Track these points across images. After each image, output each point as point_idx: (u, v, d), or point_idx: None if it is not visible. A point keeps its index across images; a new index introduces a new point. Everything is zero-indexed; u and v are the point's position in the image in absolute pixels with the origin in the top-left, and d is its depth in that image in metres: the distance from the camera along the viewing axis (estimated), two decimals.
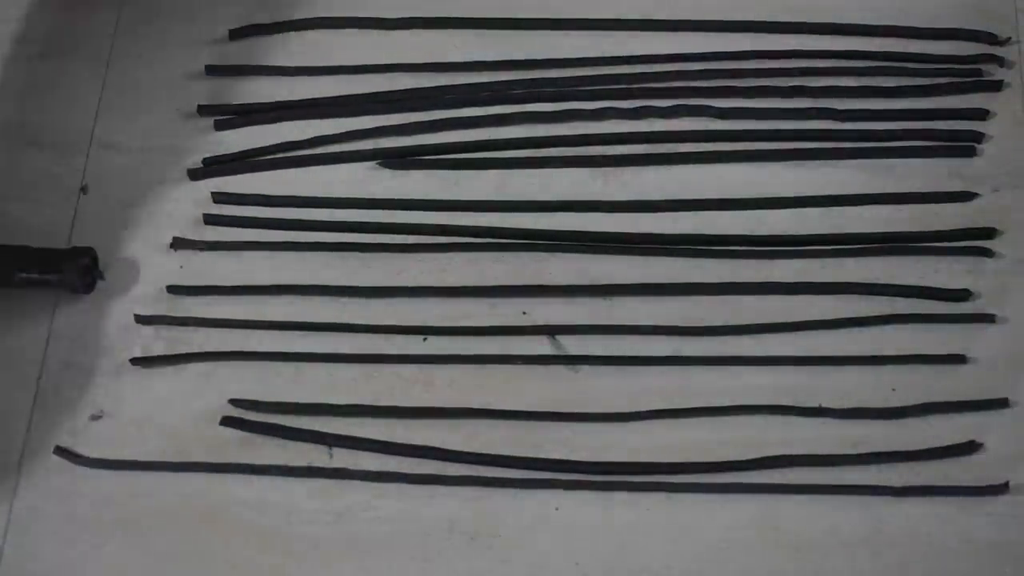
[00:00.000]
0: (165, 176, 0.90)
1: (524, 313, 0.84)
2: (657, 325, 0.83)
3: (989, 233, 0.85)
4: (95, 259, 0.86)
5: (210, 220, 0.89)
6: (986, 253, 0.84)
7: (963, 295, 0.83)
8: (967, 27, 0.91)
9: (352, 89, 0.92)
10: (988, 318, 0.82)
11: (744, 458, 0.79)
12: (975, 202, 0.86)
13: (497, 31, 0.94)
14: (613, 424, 0.81)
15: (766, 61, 0.91)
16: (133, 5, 0.96)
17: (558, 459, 0.80)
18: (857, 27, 0.92)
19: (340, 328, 0.84)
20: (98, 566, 0.79)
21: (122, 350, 0.85)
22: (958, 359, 0.81)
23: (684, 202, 0.87)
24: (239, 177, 0.90)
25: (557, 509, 0.79)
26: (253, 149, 0.91)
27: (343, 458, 0.81)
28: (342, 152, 0.90)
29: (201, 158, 0.91)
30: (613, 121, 0.90)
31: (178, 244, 0.88)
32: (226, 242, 0.88)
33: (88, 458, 0.81)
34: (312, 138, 0.91)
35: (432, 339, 0.84)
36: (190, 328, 0.85)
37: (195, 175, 0.90)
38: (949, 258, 0.84)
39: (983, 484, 0.77)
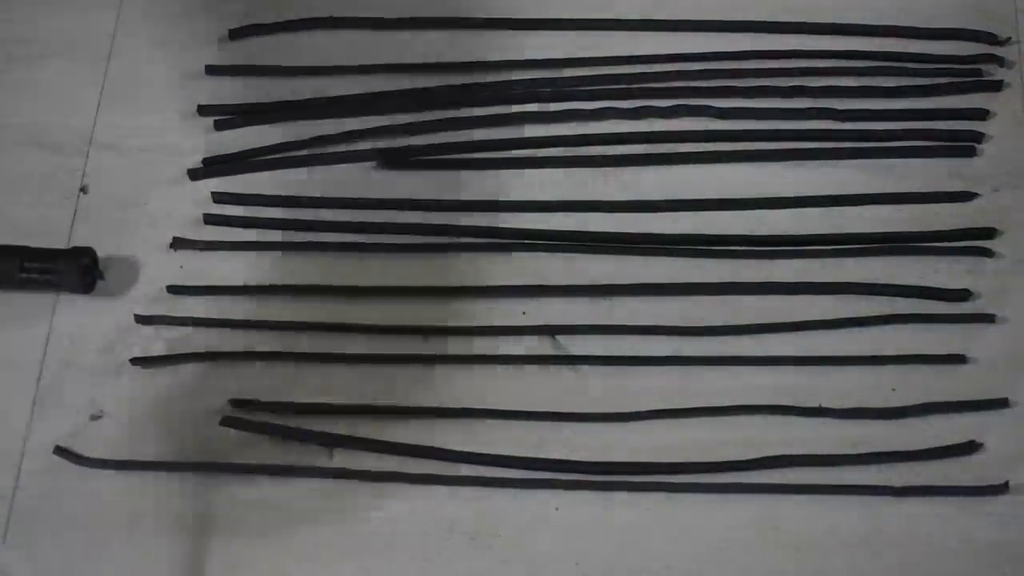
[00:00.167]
0: (165, 176, 0.90)
1: (524, 313, 0.84)
2: (657, 325, 0.83)
3: (989, 233, 0.85)
4: (95, 259, 0.86)
5: (210, 220, 0.89)
6: (986, 253, 0.84)
7: (963, 295, 0.83)
8: (967, 27, 0.91)
9: (352, 89, 0.92)
10: (988, 318, 0.82)
11: (744, 458, 0.79)
12: (975, 202, 0.86)
13: (497, 31, 0.94)
14: (613, 424, 0.81)
15: (766, 61, 0.91)
16: (133, 5, 0.96)
17: (558, 459, 0.80)
18: (857, 27, 0.92)
19: (340, 328, 0.84)
20: (98, 566, 0.79)
21: (122, 350, 0.85)
22: (958, 359, 0.81)
23: (684, 202, 0.87)
24: (239, 177, 0.90)
25: (557, 509, 0.79)
26: (253, 149, 0.91)
27: (343, 458, 0.81)
28: (342, 152, 0.90)
29: (201, 158, 0.91)
30: (613, 121, 0.90)
31: (178, 244, 0.88)
32: (226, 242, 0.88)
33: (88, 458, 0.81)
34: (312, 138, 0.91)
35: (432, 339, 0.84)
36: (190, 328, 0.85)
37: (195, 175, 0.90)
38: (949, 258, 0.84)
39: (983, 484, 0.77)
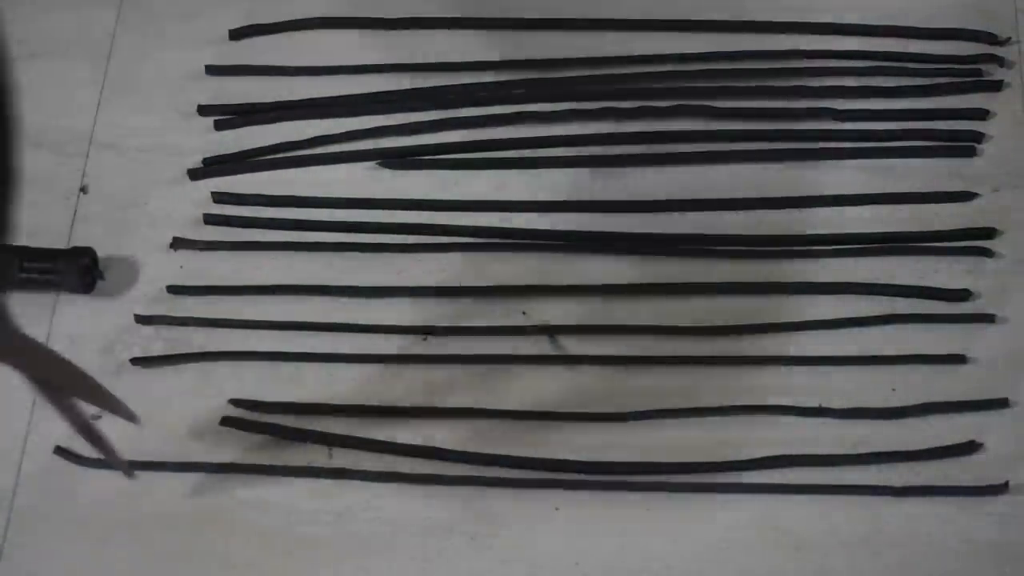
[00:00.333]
0: (165, 176, 0.90)
1: (524, 313, 0.84)
2: (657, 325, 0.83)
3: (989, 233, 0.85)
4: (95, 259, 0.86)
5: (210, 220, 0.89)
6: (986, 253, 0.84)
7: (963, 295, 0.83)
8: (967, 27, 0.91)
9: (352, 89, 0.92)
10: (988, 318, 0.82)
11: (744, 458, 0.79)
12: (975, 202, 0.86)
13: (497, 31, 0.94)
14: (613, 424, 0.81)
15: (766, 61, 0.91)
16: (133, 5, 0.96)
17: (558, 459, 0.80)
18: (857, 27, 0.92)
19: (340, 328, 0.85)
20: (98, 566, 0.79)
21: (122, 350, 0.85)
22: (958, 359, 0.81)
23: (684, 202, 0.87)
24: (239, 177, 0.90)
25: (557, 509, 0.79)
26: (253, 149, 0.91)
27: (343, 458, 0.81)
28: (342, 152, 0.90)
29: (201, 158, 0.91)
30: (613, 121, 0.90)
31: (178, 244, 0.88)
32: (226, 242, 0.88)
33: (88, 458, 0.81)
34: (312, 138, 0.91)
35: (432, 339, 0.84)
36: (190, 328, 0.85)
37: (195, 175, 0.90)
38: (949, 258, 0.84)
39: (983, 484, 0.77)
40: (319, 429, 0.82)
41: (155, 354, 0.85)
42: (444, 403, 0.82)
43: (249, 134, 0.92)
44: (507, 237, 0.87)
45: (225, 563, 0.79)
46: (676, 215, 0.87)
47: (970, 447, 0.78)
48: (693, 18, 0.93)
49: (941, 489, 0.77)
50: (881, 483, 0.77)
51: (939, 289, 0.83)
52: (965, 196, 0.86)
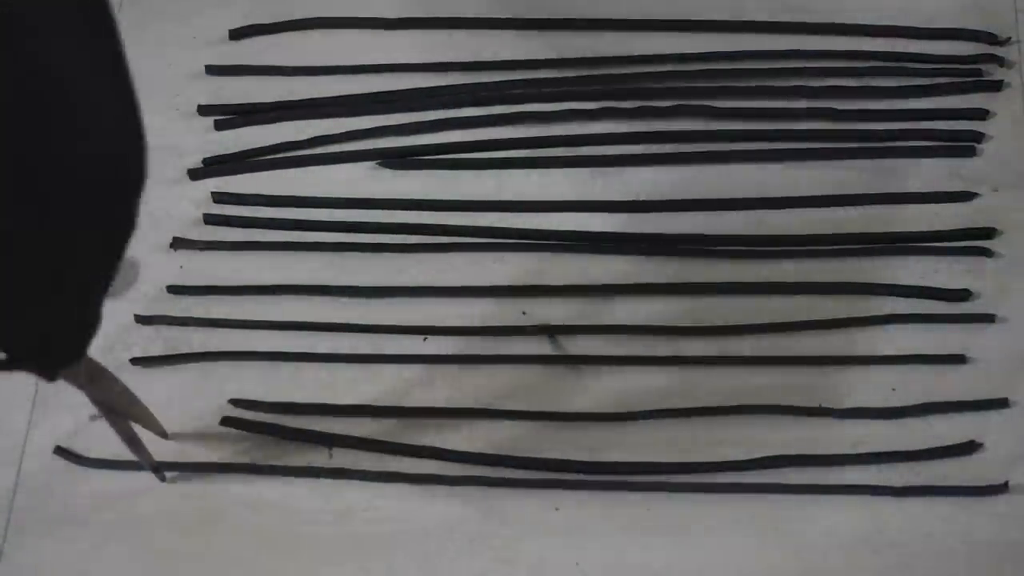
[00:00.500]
0: (165, 176, 0.90)
1: (524, 313, 0.84)
2: (657, 325, 0.83)
3: (989, 233, 0.85)
4: None
5: (210, 220, 0.89)
6: (986, 253, 0.84)
7: (963, 295, 0.83)
8: (967, 27, 0.91)
9: (352, 89, 0.92)
10: (988, 318, 0.82)
11: (744, 458, 0.79)
12: (975, 202, 0.86)
13: (496, 31, 0.94)
14: (613, 424, 0.81)
15: (766, 61, 0.91)
16: (133, 5, 0.96)
17: (558, 459, 0.80)
18: (857, 27, 0.92)
19: (340, 328, 0.85)
20: (98, 566, 0.79)
21: (122, 350, 0.85)
22: (958, 359, 0.81)
23: (684, 202, 0.87)
24: (239, 177, 0.90)
25: (557, 509, 0.79)
26: (253, 149, 0.91)
27: (343, 458, 0.81)
28: (342, 152, 0.90)
29: (201, 158, 0.91)
30: (613, 121, 0.90)
31: (178, 244, 0.88)
32: (226, 242, 0.88)
33: (88, 458, 0.81)
34: (312, 138, 0.91)
35: (432, 339, 0.84)
36: (190, 328, 0.85)
37: (195, 175, 0.90)
38: (949, 258, 0.84)
39: (983, 484, 0.77)
40: (319, 429, 0.82)
41: (155, 354, 0.85)
42: (444, 403, 0.82)
43: (249, 134, 0.92)
44: (507, 237, 0.87)
45: (225, 563, 0.79)
46: (676, 215, 0.87)
47: (970, 447, 0.78)
48: (693, 18, 0.93)
49: (941, 489, 0.77)
50: (881, 483, 0.78)
51: (939, 289, 0.83)
52: (965, 196, 0.86)
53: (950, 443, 0.79)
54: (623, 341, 0.83)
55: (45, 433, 0.82)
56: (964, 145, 0.87)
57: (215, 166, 0.90)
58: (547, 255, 0.86)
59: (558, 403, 0.82)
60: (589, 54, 0.92)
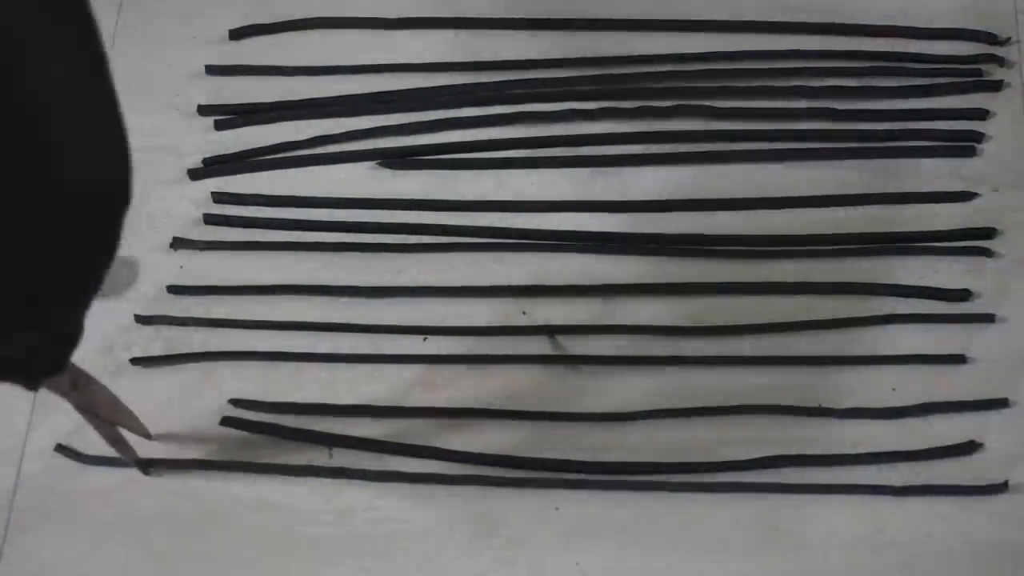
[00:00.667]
0: (165, 176, 0.90)
1: (524, 313, 0.84)
2: (657, 325, 0.83)
3: (989, 233, 0.85)
4: None
5: (210, 220, 0.89)
6: (986, 253, 0.84)
7: (963, 295, 0.83)
8: (967, 27, 0.91)
9: (352, 89, 0.92)
10: (988, 318, 0.82)
11: (744, 458, 0.79)
12: (975, 202, 0.86)
13: (496, 31, 0.94)
14: (613, 424, 0.81)
15: (766, 61, 0.91)
16: (133, 5, 0.96)
17: (558, 459, 0.80)
18: (857, 27, 0.92)
19: (340, 328, 0.85)
20: (98, 566, 0.79)
21: (122, 350, 0.85)
22: (958, 359, 0.81)
23: (684, 202, 0.87)
24: (239, 177, 0.90)
25: (557, 509, 0.79)
26: (253, 149, 0.91)
27: (343, 458, 0.81)
28: (342, 152, 0.90)
29: (201, 158, 0.91)
30: (612, 121, 0.90)
31: (178, 244, 0.88)
32: (226, 242, 0.88)
33: (88, 455, 0.81)
34: (312, 138, 0.91)
35: (432, 339, 0.84)
36: (190, 328, 0.85)
37: (195, 175, 0.90)
38: (949, 258, 0.84)
39: (983, 484, 0.77)
40: (319, 429, 0.82)
41: (155, 354, 0.85)
42: (444, 403, 0.82)
43: (249, 134, 0.92)
44: (507, 237, 0.87)
45: (225, 563, 0.79)
46: (676, 215, 0.87)
47: (970, 447, 0.78)
48: (693, 18, 0.93)
49: (941, 489, 0.77)
50: (881, 483, 0.77)
51: (939, 289, 0.83)
52: (965, 196, 0.86)
53: (950, 443, 0.79)
54: (623, 341, 0.83)
55: (45, 433, 0.82)
56: (964, 145, 0.87)
57: (215, 166, 0.90)
58: (547, 255, 0.86)
59: (558, 403, 0.82)
60: (589, 54, 0.92)
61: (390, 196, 0.89)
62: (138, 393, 0.83)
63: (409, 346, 0.84)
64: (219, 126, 0.92)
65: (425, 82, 0.93)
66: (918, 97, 0.89)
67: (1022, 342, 0.82)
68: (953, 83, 0.89)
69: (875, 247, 0.85)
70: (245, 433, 0.82)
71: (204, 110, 0.92)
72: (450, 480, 0.80)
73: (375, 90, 0.92)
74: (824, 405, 0.80)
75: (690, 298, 0.84)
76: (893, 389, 0.81)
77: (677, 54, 0.91)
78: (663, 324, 0.83)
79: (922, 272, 0.84)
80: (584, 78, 0.92)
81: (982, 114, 0.88)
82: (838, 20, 0.92)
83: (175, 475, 0.81)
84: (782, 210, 0.87)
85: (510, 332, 0.84)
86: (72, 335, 0.58)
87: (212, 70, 0.94)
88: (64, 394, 0.68)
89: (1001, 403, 0.80)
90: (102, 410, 0.72)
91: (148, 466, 0.80)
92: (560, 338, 0.83)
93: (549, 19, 0.94)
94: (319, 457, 0.81)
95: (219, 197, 0.89)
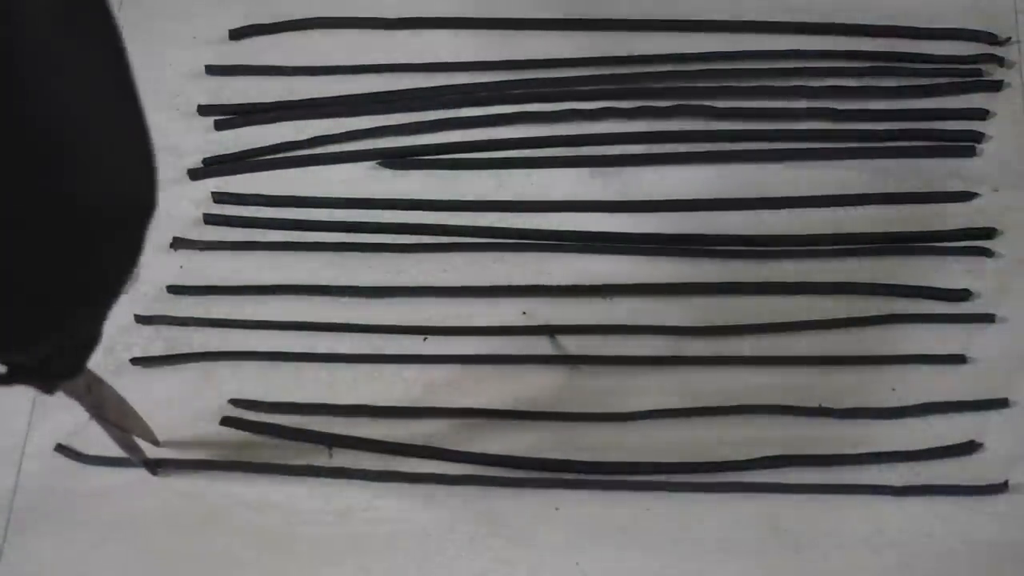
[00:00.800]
0: (165, 176, 0.90)
1: (524, 313, 0.84)
2: (657, 325, 0.83)
3: (989, 233, 0.85)
4: None
5: (210, 220, 0.89)
6: (986, 253, 0.84)
7: (963, 295, 0.83)
8: (967, 27, 0.91)
9: (352, 89, 0.92)
10: (988, 318, 0.82)
11: (744, 458, 0.79)
12: (975, 202, 0.86)
13: (496, 31, 0.94)
14: (613, 424, 0.81)
15: (766, 61, 0.91)
16: (133, 4, 0.96)
17: (558, 459, 0.80)
18: (857, 27, 0.92)
19: (340, 328, 0.85)
20: (98, 566, 0.79)
21: (122, 350, 0.85)
22: (958, 359, 0.81)
23: (684, 202, 0.87)
24: (239, 177, 0.90)
25: (557, 509, 0.79)
26: (253, 149, 0.91)
27: (343, 458, 0.81)
28: (342, 152, 0.91)
29: (201, 158, 0.91)
30: (612, 121, 0.90)
31: (178, 244, 0.88)
32: (226, 242, 0.88)
33: (88, 455, 0.81)
34: (312, 138, 0.91)
35: (432, 339, 0.84)
36: (190, 328, 0.85)
37: (195, 175, 0.90)
38: (949, 258, 0.84)
39: (983, 484, 0.77)
40: (319, 429, 0.82)
41: (155, 354, 0.85)
42: (444, 403, 0.82)
43: (249, 134, 0.92)
44: (507, 237, 0.87)
45: (225, 563, 0.79)
46: (676, 215, 0.87)
47: (970, 447, 0.78)
48: (693, 18, 0.93)
49: (941, 489, 0.77)
50: (881, 483, 0.77)
51: (939, 289, 0.83)
52: (965, 196, 0.86)
53: (950, 443, 0.79)
54: (623, 341, 0.83)
55: (45, 433, 0.82)
56: (964, 145, 0.87)
57: (215, 166, 0.90)
58: (547, 255, 0.86)
59: (558, 403, 0.81)
60: (589, 54, 0.92)
61: (390, 196, 0.89)
62: (138, 393, 0.83)
63: (409, 346, 0.84)
64: (219, 126, 0.92)
65: (425, 82, 0.93)
66: (918, 97, 0.89)
67: (1022, 342, 0.82)
68: (953, 83, 0.89)
69: (875, 247, 0.85)
70: (245, 433, 0.82)
71: (204, 110, 0.92)
72: (450, 480, 0.80)
73: (375, 90, 0.92)
74: (824, 405, 0.80)
75: (690, 298, 0.84)
76: (893, 389, 0.81)
77: (677, 54, 0.91)
78: (663, 324, 0.83)
79: (922, 272, 0.84)
80: (584, 78, 0.92)
81: (982, 114, 0.88)
82: (838, 20, 0.92)
83: (175, 475, 0.81)
84: (782, 210, 0.87)
85: (510, 332, 0.84)
86: (91, 340, 0.58)
87: (212, 70, 0.94)
88: (79, 397, 0.68)
89: (1001, 403, 0.80)
90: (112, 414, 0.72)
91: (156, 467, 0.80)
92: (560, 338, 0.83)
93: (549, 19, 0.94)
94: (319, 457, 0.81)
95: (219, 197, 0.89)
